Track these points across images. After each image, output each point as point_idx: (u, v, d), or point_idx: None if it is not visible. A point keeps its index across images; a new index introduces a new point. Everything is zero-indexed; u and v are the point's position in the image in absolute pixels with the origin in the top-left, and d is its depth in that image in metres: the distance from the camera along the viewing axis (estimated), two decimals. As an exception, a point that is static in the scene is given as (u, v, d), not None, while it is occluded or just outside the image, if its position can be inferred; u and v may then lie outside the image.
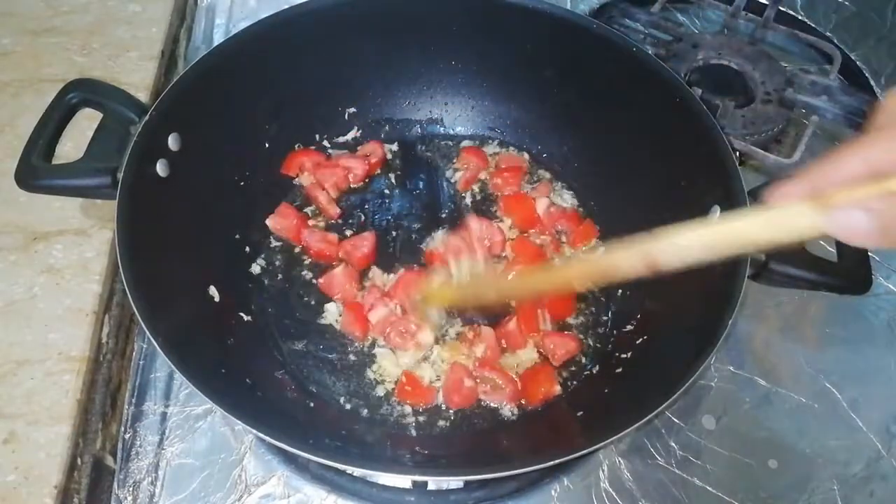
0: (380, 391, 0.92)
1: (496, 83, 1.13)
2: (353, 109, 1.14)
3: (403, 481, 0.86)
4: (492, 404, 0.91)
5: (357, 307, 0.97)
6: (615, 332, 0.97)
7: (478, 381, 0.92)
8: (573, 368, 0.95)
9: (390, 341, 0.95)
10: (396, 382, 0.93)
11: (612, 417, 0.77)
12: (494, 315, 0.98)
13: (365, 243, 1.02)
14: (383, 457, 0.86)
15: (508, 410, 0.91)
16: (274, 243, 1.04)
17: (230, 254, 1.00)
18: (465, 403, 0.91)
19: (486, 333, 0.95)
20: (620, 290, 1.01)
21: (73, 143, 0.90)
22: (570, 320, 0.99)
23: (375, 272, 1.01)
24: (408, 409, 0.91)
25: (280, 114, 1.06)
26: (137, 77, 1.11)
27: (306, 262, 1.03)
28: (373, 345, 0.96)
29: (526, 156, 1.14)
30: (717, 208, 0.86)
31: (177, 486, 0.85)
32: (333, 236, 1.04)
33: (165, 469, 0.86)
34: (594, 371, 0.94)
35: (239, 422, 0.70)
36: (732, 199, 0.83)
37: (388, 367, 0.94)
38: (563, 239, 1.07)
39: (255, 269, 1.01)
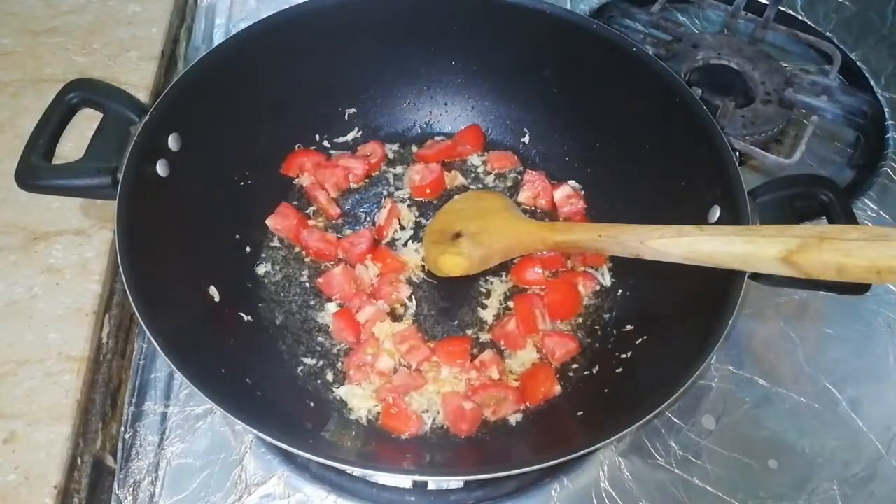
0: (363, 421, 0.90)
1: (496, 83, 1.13)
2: (353, 109, 1.14)
3: (403, 481, 0.86)
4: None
5: (345, 313, 0.96)
6: (615, 332, 0.97)
7: (478, 403, 0.89)
8: (573, 368, 0.95)
9: (351, 379, 0.92)
10: (377, 411, 0.90)
11: (612, 417, 0.76)
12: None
13: (362, 241, 1.02)
14: (383, 457, 0.86)
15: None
16: (274, 243, 1.04)
17: (230, 254, 1.00)
18: (475, 425, 0.88)
19: (488, 357, 0.93)
20: (620, 291, 1.01)
21: (73, 143, 0.90)
22: (571, 320, 0.99)
23: (360, 269, 1.01)
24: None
25: (280, 114, 1.06)
26: (137, 77, 1.11)
27: (306, 261, 1.03)
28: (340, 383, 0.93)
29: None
30: (717, 208, 0.86)
31: (177, 486, 0.85)
32: (332, 236, 1.04)
33: (165, 469, 0.86)
34: (594, 371, 0.94)
35: (239, 422, 0.70)
36: (732, 199, 0.83)
37: (358, 403, 0.90)
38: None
39: (260, 269, 1.01)
